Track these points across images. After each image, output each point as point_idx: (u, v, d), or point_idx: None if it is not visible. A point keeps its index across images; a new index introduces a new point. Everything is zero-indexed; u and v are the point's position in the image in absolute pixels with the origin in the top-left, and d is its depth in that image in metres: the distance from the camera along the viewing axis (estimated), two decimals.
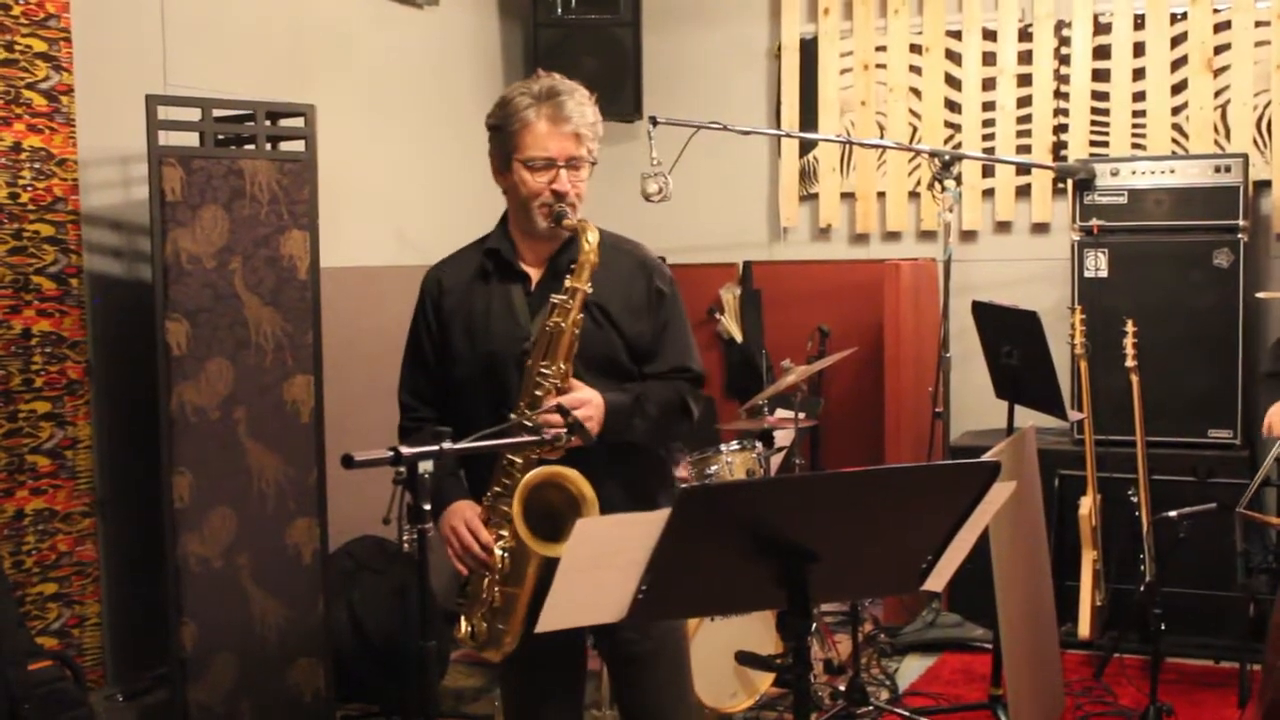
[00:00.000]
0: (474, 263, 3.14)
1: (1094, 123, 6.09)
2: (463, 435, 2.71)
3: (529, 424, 2.83)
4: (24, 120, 4.08)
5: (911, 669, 5.29)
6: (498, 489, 2.95)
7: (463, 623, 3.03)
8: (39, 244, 4.12)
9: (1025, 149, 6.20)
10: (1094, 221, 5.54)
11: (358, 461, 2.49)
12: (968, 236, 6.31)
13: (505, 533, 2.92)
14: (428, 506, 2.56)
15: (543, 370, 2.91)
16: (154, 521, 4.14)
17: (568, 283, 2.93)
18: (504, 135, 3.04)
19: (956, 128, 6.32)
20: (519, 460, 2.91)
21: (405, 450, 2.53)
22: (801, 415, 5.13)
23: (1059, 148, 6.16)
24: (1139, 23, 6.00)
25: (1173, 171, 5.50)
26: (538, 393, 2.91)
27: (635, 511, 2.81)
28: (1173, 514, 4.34)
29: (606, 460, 2.94)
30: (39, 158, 4.12)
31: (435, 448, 2.56)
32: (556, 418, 2.81)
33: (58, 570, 4.18)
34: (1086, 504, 5.00)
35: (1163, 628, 4.30)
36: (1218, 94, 5.88)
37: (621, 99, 6.41)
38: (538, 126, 2.98)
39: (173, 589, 4.10)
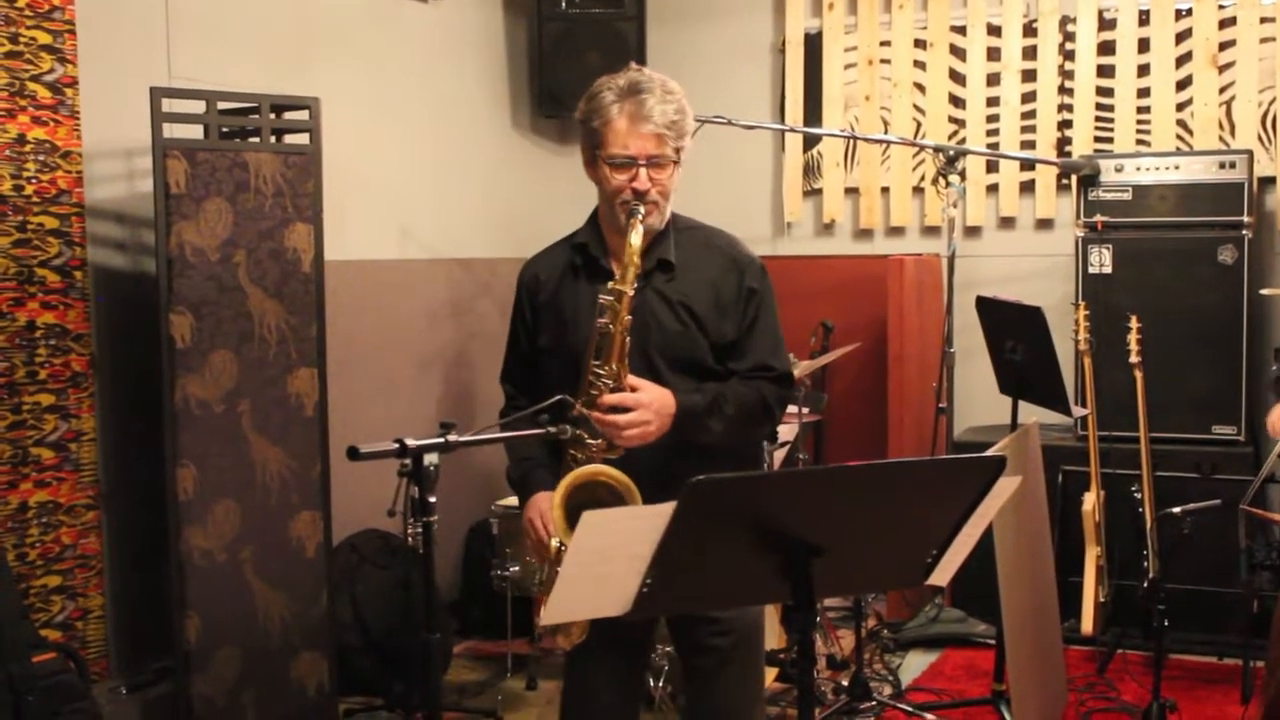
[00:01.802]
0: (564, 257, 3.14)
1: (1098, 118, 6.08)
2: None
3: (554, 429, 2.86)
4: (28, 113, 4.08)
5: (914, 664, 5.28)
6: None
7: (543, 610, 3.04)
8: (43, 236, 4.12)
9: (1030, 144, 6.19)
10: (1098, 217, 5.53)
11: (363, 454, 2.49)
12: (972, 232, 6.30)
13: None
14: (433, 499, 2.56)
15: (596, 370, 2.92)
16: (158, 514, 4.14)
17: (611, 285, 2.93)
18: (589, 131, 3.03)
19: (961, 123, 6.32)
20: (581, 456, 2.93)
21: (410, 442, 2.53)
22: (805, 410, 5.13)
23: (1063, 143, 6.14)
24: (1144, 18, 5.99)
25: (1177, 168, 5.49)
26: (593, 392, 2.92)
27: None
28: (1176, 510, 4.33)
29: (678, 463, 2.90)
30: (43, 150, 4.12)
31: (440, 440, 2.56)
32: (613, 420, 2.86)
33: (61, 563, 4.18)
34: (1090, 500, 5.00)
35: (1166, 624, 4.29)
36: (1223, 90, 5.87)
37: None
38: (618, 124, 2.97)
39: (176, 582, 4.10)
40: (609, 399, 2.90)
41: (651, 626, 3.27)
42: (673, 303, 3.02)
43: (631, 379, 2.93)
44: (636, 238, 2.93)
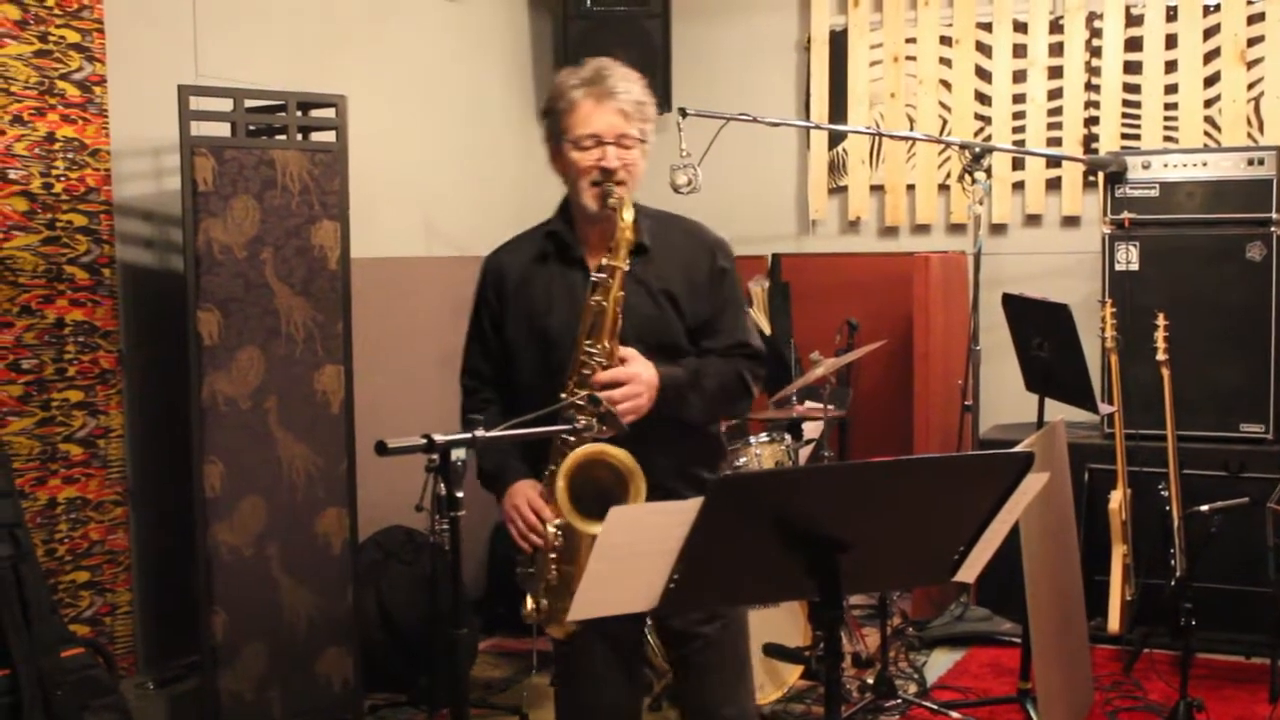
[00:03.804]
0: (534, 246, 3.14)
1: (1125, 115, 6.06)
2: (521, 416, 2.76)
3: (582, 403, 2.86)
4: (57, 111, 4.10)
5: (940, 663, 5.27)
6: (552, 467, 2.95)
7: (528, 600, 3.04)
8: (72, 234, 4.15)
9: (1056, 141, 6.17)
10: (1125, 214, 5.50)
11: (391, 448, 2.49)
12: (997, 229, 6.27)
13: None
14: (460, 494, 2.56)
15: (588, 349, 2.92)
16: (185, 510, 4.16)
17: (605, 260, 2.93)
18: (554, 118, 3.05)
19: (987, 120, 6.29)
20: (572, 439, 2.92)
21: (438, 438, 2.53)
22: (830, 408, 5.12)
23: (1090, 140, 6.12)
24: (1171, 14, 5.97)
25: (1205, 164, 5.46)
26: (585, 371, 2.92)
27: (685, 490, 2.83)
28: (1204, 508, 4.31)
29: (659, 438, 2.93)
30: (72, 148, 4.14)
31: (469, 435, 2.57)
32: (612, 391, 2.85)
33: (89, 558, 4.20)
34: (1116, 498, 4.97)
35: (1193, 623, 4.27)
36: (1250, 86, 5.84)
37: (651, 90, 6.38)
38: (584, 105, 2.99)
39: (203, 578, 4.12)
40: (603, 376, 2.90)
41: (642, 615, 3.25)
42: (652, 288, 3.02)
43: (622, 350, 2.93)
44: (629, 212, 2.93)
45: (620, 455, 2.87)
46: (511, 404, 3.03)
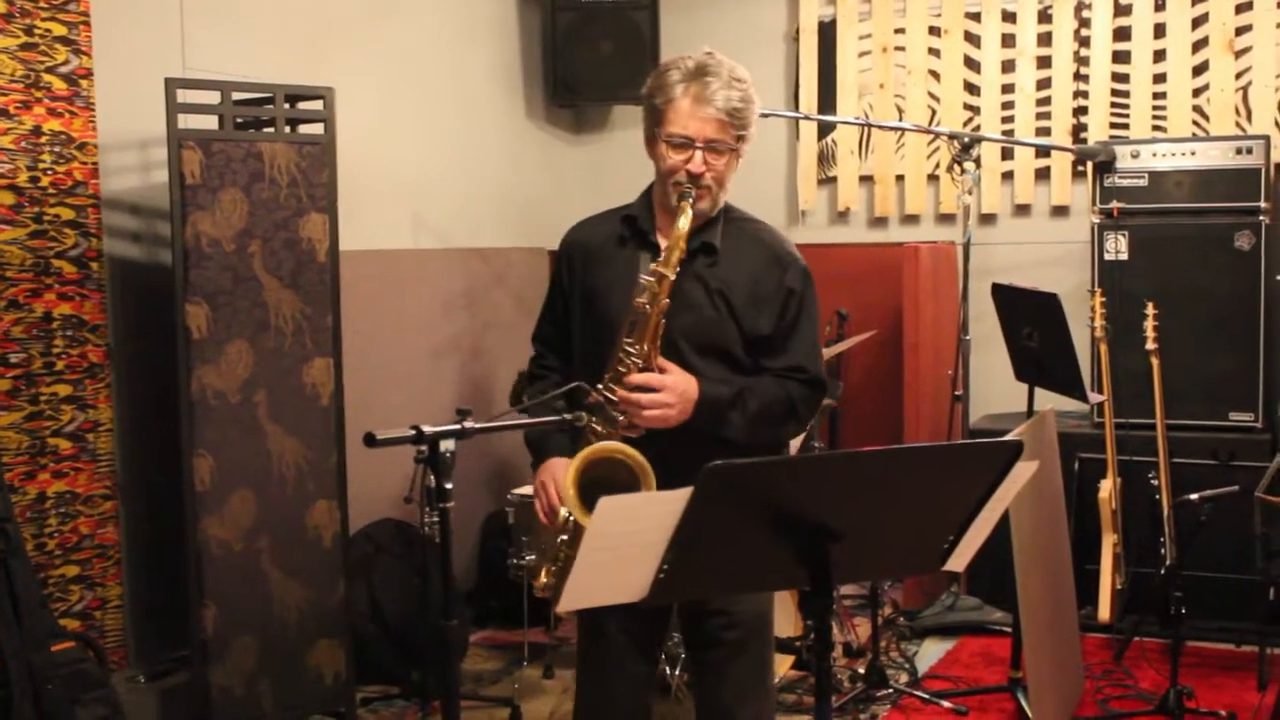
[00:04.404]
0: (612, 228, 3.13)
1: (1114, 105, 6.06)
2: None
3: (611, 396, 2.88)
4: (44, 104, 4.09)
5: (931, 652, 5.28)
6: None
7: (542, 572, 3.06)
8: (59, 228, 4.13)
9: (1045, 131, 6.17)
10: (1114, 204, 5.51)
11: (380, 440, 2.49)
12: (987, 219, 6.28)
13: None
14: (449, 485, 2.56)
15: (627, 348, 2.92)
16: (174, 504, 4.15)
17: (653, 267, 2.92)
18: (652, 108, 3.03)
19: (975, 110, 6.30)
20: (600, 429, 2.93)
21: (426, 429, 2.53)
22: None
23: (1079, 130, 6.13)
24: (1159, 4, 5.97)
25: (1193, 153, 5.47)
26: (620, 369, 2.92)
27: None
28: (1193, 497, 4.32)
29: (690, 447, 2.85)
30: (59, 141, 4.13)
31: (457, 426, 2.56)
32: (637, 397, 2.87)
33: (79, 552, 4.20)
34: (1106, 487, 4.98)
35: (1183, 611, 4.28)
36: (1239, 75, 5.85)
37: (639, 82, 6.30)
38: (681, 104, 2.96)
39: (193, 571, 4.11)
40: (636, 378, 2.90)
41: (667, 608, 3.24)
42: (709, 287, 3.00)
43: (661, 361, 2.93)
44: (685, 221, 2.92)
45: (634, 454, 2.87)
46: (575, 375, 3.03)
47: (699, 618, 3.12)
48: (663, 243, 3.02)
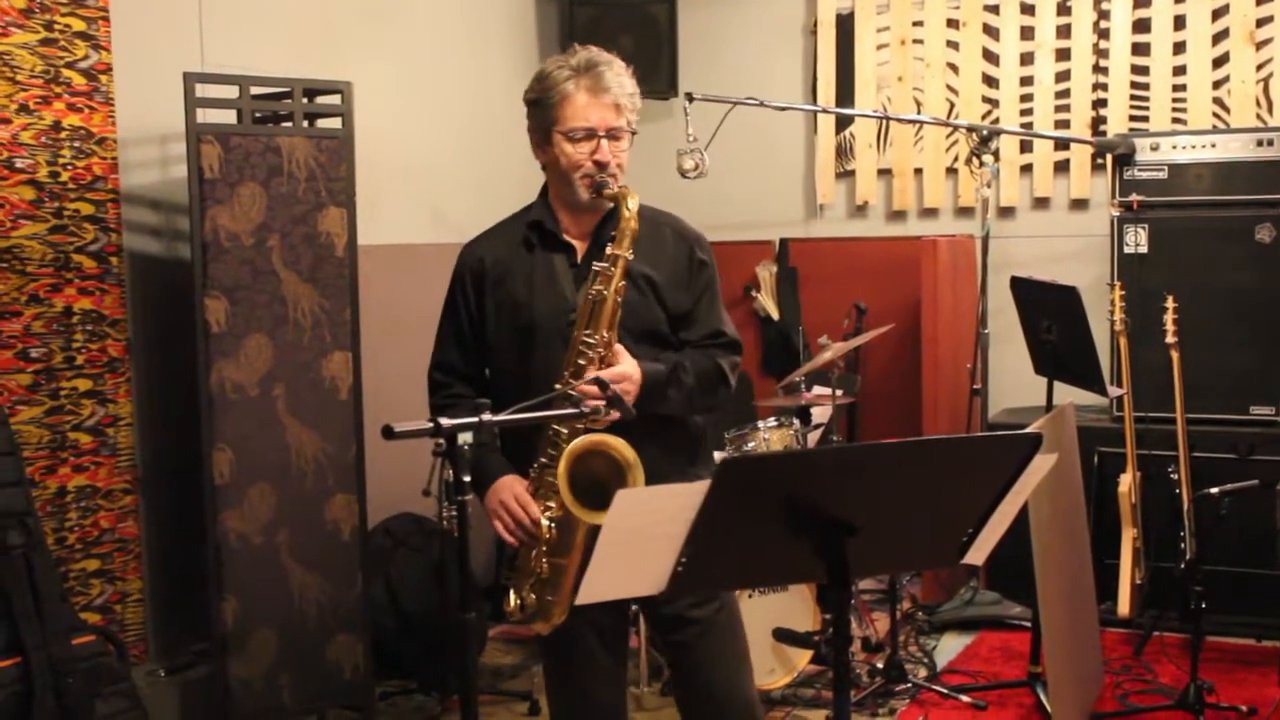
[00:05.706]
0: (516, 235, 3.14)
1: (1134, 97, 6.03)
2: (500, 410, 2.70)
3: (573, 395, 2.82)
4: (64, 99, 4.10)
5: (950, 647, 5.27)
6: (544, 460, 2.95)
7: (512, 596, 3.03)
8: (79, 222, 4.15)
9: (1064, 124, 6.15)
10: (1134, 197, 5.48)
11: (398, 432, 2.48)
12: (1006, 213, 6.26)
13: (552, 503, 2.94)
14: (467, 478, 2.55)
15: (586, 340, 2.92)
16: (194, 498, 4.17)
17: (609, 250, 2.94)
18: (543, 108, 3.04)
19: (994, 103, 6.28)
20: (564, 431, 2.92)
21: (445, 422, 2.52)
22: (838, 392, 5.12)
23: (1098, 122, 6.10)
24: None
25: (1214, 146, 5.44)
26: (581, 362, 2.92)
27: (672, 478, 2.83)
28: (1214, 491, 4.30)
29: (642, 431, 2.91)
30: (78, 136, 4.14)
31: (475, 419, 2.56)
32: (595, 389, 2.81)
33: (100, 546, 4.21)
34: (1126, 481, 4.96)
35: (1203, 605, 4.27)
36: (1260, 67, 5.82)
37: (657, 76, 6.41)
38: (577, 98, 2.99)
39: (213, 565, 4.12)
40: (610, 373, 2.89)
41: (626, 602, 3.21)
42: (632, 274, 3.01)
43: (616, 346, 2.95)
44: (634, 203, 2.95)
45: (620, 446, 2.87)
46: (490, 397, 2.92)
47: (655, 606, 3.11)
48: (574, 243, 3.06)
